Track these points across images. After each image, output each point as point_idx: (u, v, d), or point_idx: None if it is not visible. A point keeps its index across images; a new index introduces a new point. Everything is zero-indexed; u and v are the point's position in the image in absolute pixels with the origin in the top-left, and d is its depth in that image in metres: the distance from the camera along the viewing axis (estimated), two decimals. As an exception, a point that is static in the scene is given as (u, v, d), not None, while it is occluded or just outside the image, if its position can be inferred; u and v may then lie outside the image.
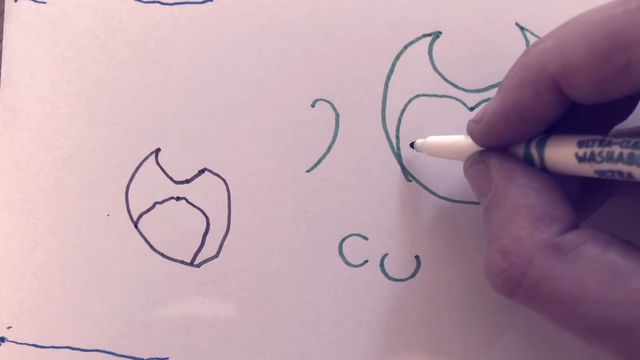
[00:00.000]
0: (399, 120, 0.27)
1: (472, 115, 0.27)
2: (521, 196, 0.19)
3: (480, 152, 0.22)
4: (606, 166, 0.18)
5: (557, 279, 0.17)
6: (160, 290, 0.27)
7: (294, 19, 0.27)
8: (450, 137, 0.24)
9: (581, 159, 0.19)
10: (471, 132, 0.21)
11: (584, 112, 0.21)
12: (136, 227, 0.28)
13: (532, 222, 0.18)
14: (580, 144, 0.19)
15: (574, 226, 0.18)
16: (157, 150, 0.28)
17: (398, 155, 0.27)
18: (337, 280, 0.27)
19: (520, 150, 0.20)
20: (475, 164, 0.22)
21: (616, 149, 0.17)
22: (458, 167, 0.27)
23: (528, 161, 0.20)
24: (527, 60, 0.19)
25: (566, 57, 0.18)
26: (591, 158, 0.18)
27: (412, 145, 0.27)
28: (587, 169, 0.18)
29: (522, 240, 0.18)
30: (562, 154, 0.19)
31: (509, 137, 0.20)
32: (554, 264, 0.18)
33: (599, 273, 0.17)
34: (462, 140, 0.23)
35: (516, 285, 0.18)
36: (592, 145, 0.18)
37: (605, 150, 0.18)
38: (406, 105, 0.27)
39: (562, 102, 0.19)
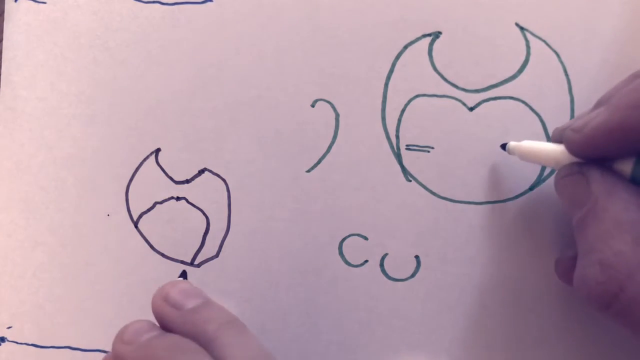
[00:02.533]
0: (399, 120, 0.27)
1: (472, 115, 0.27)
2: (623, 211, 0.19)
3: (579, 164, 0.22)
4: None
5: None
6: (160, 290, 0.27)
7: (294, 19, 0.27)
8: (545, 144, 0.24)
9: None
10: (568, 141, 0.22)
11: None
12: (136, 227, 0.28)
13: (635, 238, 0.18)
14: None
15: None
16: (157, 150, 0.28)
17: (398, 155, 0.27)
18: (337, 280, 0.27)
19: (627, 166, 0.20)
20: (572, 175, 0.22)
21: None
22: (458, 168, 0.27)
23: (636, 176, 0.20)
24: None
25: None
26: None
27: (503, 147, 0.26)
28: None
29: (624, 255, 0.18)
30: (625, 174, 0.19)
31: (606, 152, 0.20)
32: None
33: None
34: (558, 149, 0.23)
35: (612, 299, 0.18)
36: None
37: None
38: (406, 105, 0.27)
39: None
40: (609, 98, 0.21)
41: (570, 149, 0.22)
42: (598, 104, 0.22)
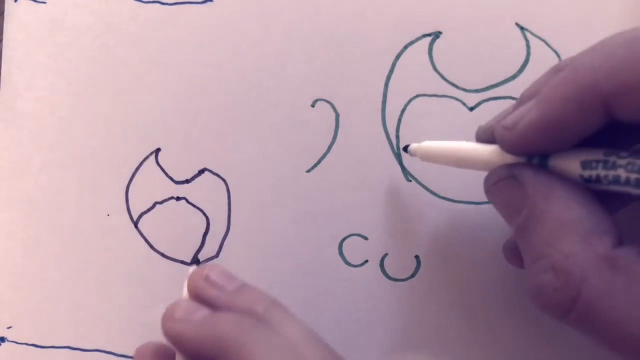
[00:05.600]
0: (399, 120, 0.27)
1: (472, 115, 0.27)
2: (565, 210, 0.18)
3: (509, 167, 0.21)
4: (614, 188, 0.17)
5: (612, 298, 0.17)
6: (160, 290, 0.27)
7: (294, 19, 0.27)
8: (453, 143, 0.23)
9: (587, 181, 0.18)
10: (501, 139, 0.21)
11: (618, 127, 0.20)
12: (136, 227, 0.28)
13: (583, 237, 0.18)
14: (584, 166, 0.18)
15: (620, 239, 0.18)
16: (157, 150, 0.28)
17: (398, 155, 0.27)
18: (337, 280, 0.27)
19: (564, 162, 0.19)
20: (504, 179, 0.21)
21: (622, 174, 0.17)
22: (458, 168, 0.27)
23: (586, 168, 0.19)
24: (573, 74, 0.18)
25: (621, 78, 0.17)
26: (597, 180, 0.18)
27: (405, 149, 0.26)
28: (595, 188, 0.18)
29: (575, 257, 0.17)
30: (566, 174, 0.19)
31: (539, 149, 0.20)
32: (610, 281, 0.17)
33: None
34: (470, 148, 0.22)
35: (571, 305, 0.18)
36: (597, 168, 0.18)
37: (611, 173, 0.17)
38: (406, 105, 0.27)
39: (604, 119, 0.18)
40: (535, 92, 0.20)
41: (504, 147, 0.21)
42: (522, 100, 0.21)
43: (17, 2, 0.28)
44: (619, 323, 0.17)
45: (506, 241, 0.25)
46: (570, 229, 0.18)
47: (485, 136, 0.23)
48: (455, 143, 0.23)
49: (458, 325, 0.27)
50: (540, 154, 0.20)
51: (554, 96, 0.19)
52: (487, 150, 0.22)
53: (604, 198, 0.19)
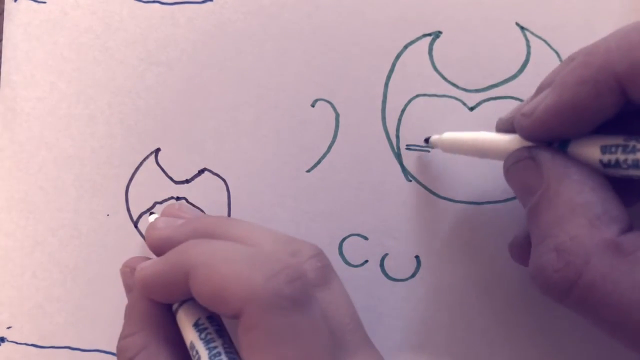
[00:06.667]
0: (399, 120, 0.27)
1: (473, 115, 0.27)
2: (577, 194, 0.18)
3: (529, 149, 0.21)
4: (634, 172, 0.18)
5: (615, 282, 0.17)
6: (160, 290, 0.27)
7: (294, 19, 0.27)
8: (474, 134, 0.24)
9: (606, 166, 0.18)
10: (520, 126, 0.21)
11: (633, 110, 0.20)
12: (136, 227, 0.28)
13: (591, 221, 0.18)
14: (604, 150, 0.18)
15: (630, 227, 0.18)
16: (157, 150, 0.28)
17: (398, 155, 0.27)
18: (337, 280, 0.27)
19: (582, 148, 0.20)
20: (522, 160, 0.21)
21: None
22: (458, 168, 0.27)
23: (605, 153, 0.19)
24: (588, 58, 0.18)
25: (635, 57, 0.17)
26: (616, 165, 0.18)
27: (426, 140, 0.26)
28: (614, 173, 0.18)
29: (580, 239, 0.18)
30: (586, 160, 0.19)
31: (558, 134, 0.20)
32: (613, 265, 0.17)
33: None
34: (490, 138, 0.23)
35: (571, 286, 0.18)
36: (616, 152, 0.18)
37: (630, 157, 0.18)
38: (406, 105, 0.27)
39: (621, 102, 0.18)
40: (551, 82, 0.20)
41: (523, 134, 0.21)
42: (540, 90, 0.21)
43: (17, 2, 0.28)
44: (620, 307, 0.17)
45: (513, 238, 0.25)
46: (579, 212, 0.18)
47: (504, 127, 0.23)
48: (476, 133, 0.24)
49: (458, 325, 0.27)
50: (559, 139, 0.20)
51: (570, 80, 0.19)
52: (507, 140, 0.22)
53: (622, 188, 0.19)
